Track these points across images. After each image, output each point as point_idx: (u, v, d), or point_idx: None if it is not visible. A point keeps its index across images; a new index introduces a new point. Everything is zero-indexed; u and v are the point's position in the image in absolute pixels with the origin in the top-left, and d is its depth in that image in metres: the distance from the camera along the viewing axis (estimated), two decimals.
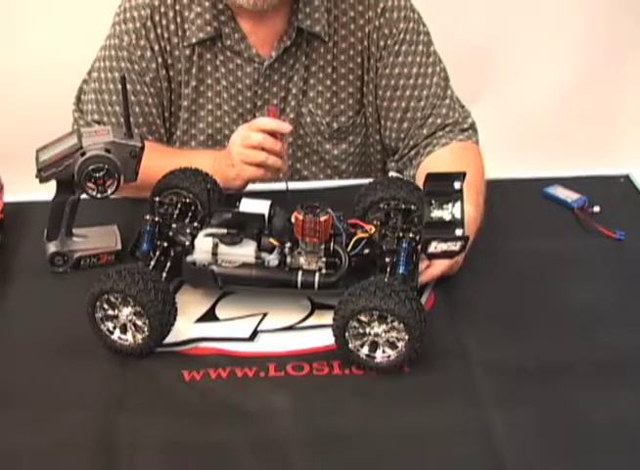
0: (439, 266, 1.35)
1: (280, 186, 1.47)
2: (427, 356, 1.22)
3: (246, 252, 1.28)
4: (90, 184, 1.34)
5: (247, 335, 1.30)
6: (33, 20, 2.36)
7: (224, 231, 1.28)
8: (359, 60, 1.64)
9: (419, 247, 1.27)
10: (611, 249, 1.48)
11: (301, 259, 1.27)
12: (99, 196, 1.35)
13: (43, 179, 1.34)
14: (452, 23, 2.28)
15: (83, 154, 1.33)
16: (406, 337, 1.18)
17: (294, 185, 1.52)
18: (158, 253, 1.31)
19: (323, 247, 1.27)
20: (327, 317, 1.26)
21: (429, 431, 1.14)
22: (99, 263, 1.42)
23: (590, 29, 2.53)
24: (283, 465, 1.10)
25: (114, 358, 1.25)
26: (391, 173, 1.73)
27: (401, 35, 1.62)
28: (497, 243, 1.46)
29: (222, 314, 1.34)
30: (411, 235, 1.28)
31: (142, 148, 1.36)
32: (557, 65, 2.53)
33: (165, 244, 1.32)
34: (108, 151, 1.33)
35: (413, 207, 1.36)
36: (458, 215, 1.24)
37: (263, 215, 1.28)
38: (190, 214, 1.39)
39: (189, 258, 1.30)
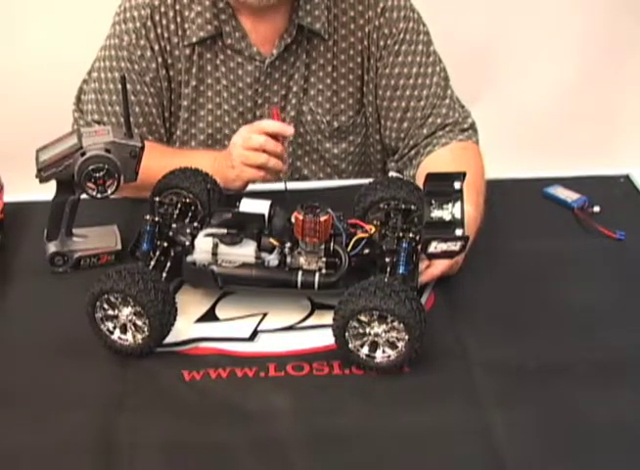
0: (439, 266, 1.35)
1: (280, 186, 1.46)
2: (427, 356, 1.22)
3: (246, 252, 1.28)
4: (90, 184, 1.34)
5: (247, 335, 1.30)
6: (33, 20, 2.36)
7: (224, 231, 1.28)
8: (359, 59, 1.64)
9: (419, 247, 1.27)
10: (611, 249, 1.48)
11: (301, 259, 1.27)
12: (99, 196, 1.35)
13: (43, 179, 1.34)
14: (452, 23, 2.28)
15: (83, 154, 1.33)
16: (406, 337, 1.18)
17: (293, 185, 1.52)
18: (158, 253, 1.31)
19: (323, 247, 1.27)
20: (327, 317, 1.26)
21: (429, 431, 1.14)
22: (99, 263, 1.42)
23: (590, 29, 2.52)
24: (283, 465, 1.10)
25: (114, 358, 1.25)
26: (391, 173, 1.72)
27: (401, 35, 1.62)
28: (497, 243, 1.46)
29: (222, 314, 1.34)
30: (411, 235, 1.28)
31: (142, 148, 1.36)
32: (557, 65, 2.53)
33: (165, 244, 1.32)
34: (108, 151, 1.33)
35: (413, 207, 1.36)
36: (458, 215, 1.24)
37: (263, 215, 1.28)
38: (190, 214, 1.39)
39: (189, 258, 1.30)
